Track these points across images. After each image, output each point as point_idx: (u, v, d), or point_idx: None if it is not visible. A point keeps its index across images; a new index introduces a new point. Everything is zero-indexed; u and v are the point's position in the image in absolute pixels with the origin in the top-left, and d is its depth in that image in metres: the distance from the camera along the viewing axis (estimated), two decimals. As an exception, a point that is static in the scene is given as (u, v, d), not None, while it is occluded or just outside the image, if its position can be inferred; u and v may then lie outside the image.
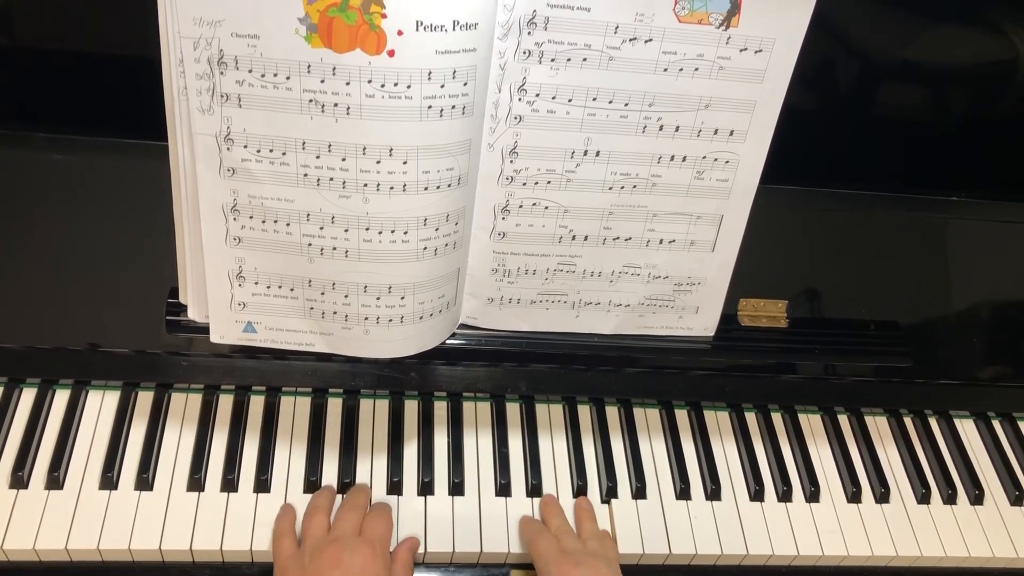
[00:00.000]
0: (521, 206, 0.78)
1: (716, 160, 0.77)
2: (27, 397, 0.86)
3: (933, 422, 0.99)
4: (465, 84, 0.68)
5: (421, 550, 0.81)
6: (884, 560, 0.88)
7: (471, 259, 0.80)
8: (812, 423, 0.97)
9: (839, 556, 0.87)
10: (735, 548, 0.85)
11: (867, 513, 0.90)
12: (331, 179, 0.70)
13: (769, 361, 0.91)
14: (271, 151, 0.69)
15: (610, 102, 0.73)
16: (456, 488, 0.85)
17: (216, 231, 0.73)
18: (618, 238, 0.81)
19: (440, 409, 0.91)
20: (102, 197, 0.82)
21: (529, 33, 0.69)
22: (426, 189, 0.71)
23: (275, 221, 0.73)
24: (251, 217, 0.73)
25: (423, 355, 0.81)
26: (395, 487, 0.84)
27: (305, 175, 0.70)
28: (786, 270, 0.92)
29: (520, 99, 0.72)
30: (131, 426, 0.85)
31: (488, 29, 0.67)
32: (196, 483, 0.82)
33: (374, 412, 0.90)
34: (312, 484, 0.84)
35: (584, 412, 0.93)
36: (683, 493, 0.88)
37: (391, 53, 0.64)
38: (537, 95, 0.72)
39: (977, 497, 0.93)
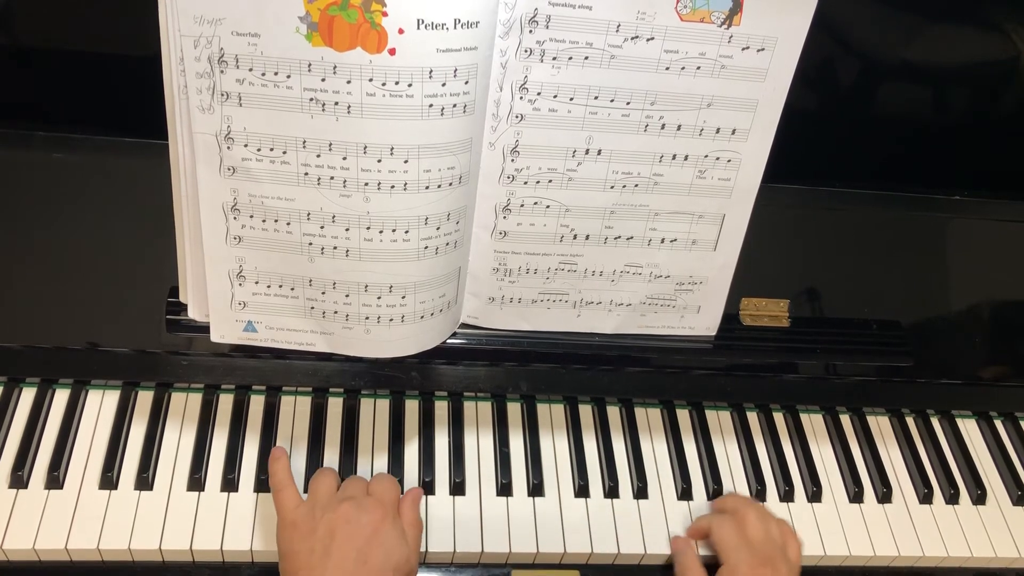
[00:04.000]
0: (522, 205, 0.77)
1: (718, 159, 0.77)
2: (27, 396, 0.86)
3: (935, 422, 0.99)
4: (466, 83, 0.67)
5: (422, 548, 0.80)
6: (886, 560, 0.88)
7: (472, 258, 0.80)
8: (814, 423, 0.97)
9: (841, 556, 0.87)
10: (737, 548, 0.85)
11: (869, 513, 0.90)
12: (332, 178, 0.70)
13: (771, 361, 0.90)
14: (271, 150, 0.69)
15: (612, 101, 0.72)
16: (457, 488, 0.85)
17: (216, 230, 0.73)
18: (620, 237, 0.80)
19: (441, 409, 0.91)
20: (102, 196, 0.82)
21: (531, 31, 0.68)
22: (427, 188, 0.71)
23: (275, 220, 0.73)
24: (251, 216, 0.73)
25: (424, 354, 0.81)
26: (396, 487, 0.84)
27: (306, 174, 0.70)
28: (788, 269, 0.92)
29: (521, 97, 0.71)
30: (131, 425, 0.85)
31: (489, 27, 0.67)
32: (196, 483, 0.82)
33: (374, 412, 0.90)
34: (313, 484, 0.83)
35: (585, 412, 0.93)
36: (685, 493, 0.88)
37: (392, 51, 0.64)
38: (539, 94, 0.71)
39: (980, 497, 0.92)
